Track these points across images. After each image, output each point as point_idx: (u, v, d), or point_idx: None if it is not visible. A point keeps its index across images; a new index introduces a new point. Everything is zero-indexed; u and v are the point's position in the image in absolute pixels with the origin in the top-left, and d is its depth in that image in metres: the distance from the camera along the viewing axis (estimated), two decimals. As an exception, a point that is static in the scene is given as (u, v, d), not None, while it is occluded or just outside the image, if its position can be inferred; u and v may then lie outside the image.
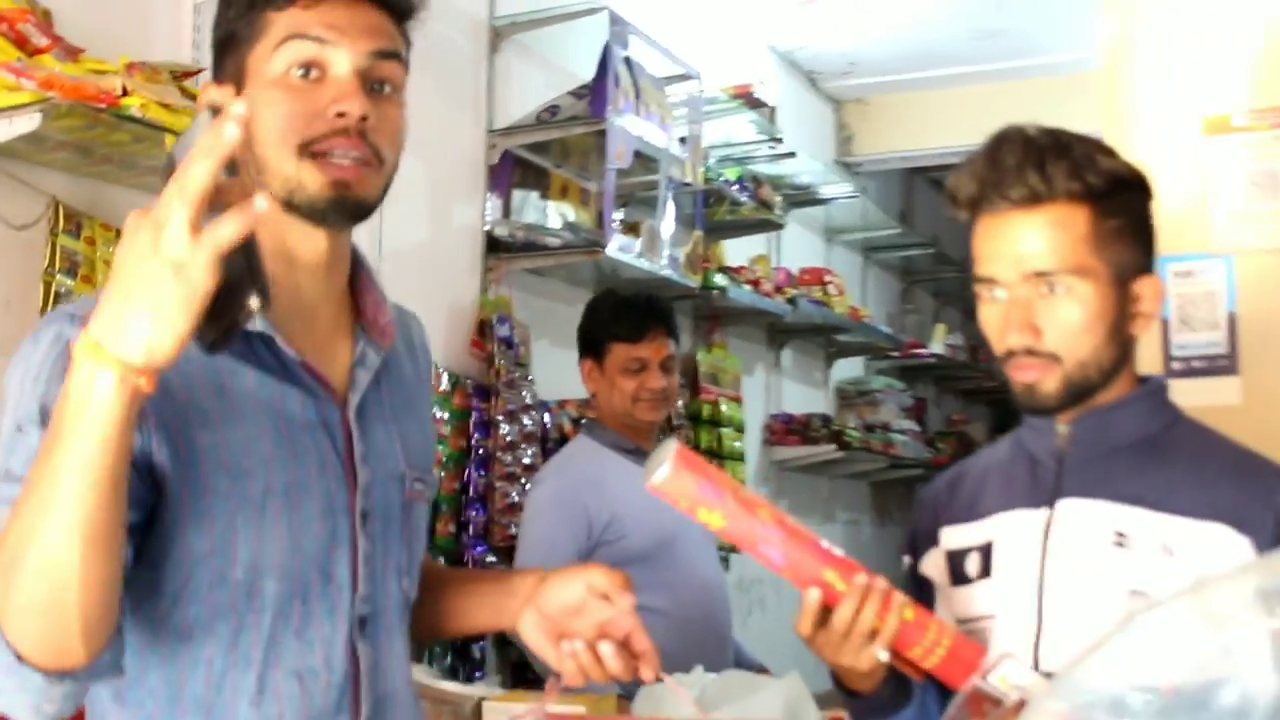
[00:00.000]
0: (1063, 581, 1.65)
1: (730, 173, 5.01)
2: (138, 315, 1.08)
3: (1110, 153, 1.68)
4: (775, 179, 5.44)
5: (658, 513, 3.00)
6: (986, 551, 1.73)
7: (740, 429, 5.14)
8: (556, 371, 4.14)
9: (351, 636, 1.44)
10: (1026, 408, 1.70)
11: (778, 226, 5.44)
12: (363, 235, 3.26)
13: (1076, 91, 6.04)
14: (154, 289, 1.07)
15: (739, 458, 5.06)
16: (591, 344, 3.21)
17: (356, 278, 1.55)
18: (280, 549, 1.39)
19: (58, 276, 2.57)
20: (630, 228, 4.27)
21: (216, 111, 1.09)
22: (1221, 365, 2.47)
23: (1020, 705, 1.43)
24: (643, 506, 2.98)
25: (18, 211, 2.55)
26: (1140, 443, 1.68)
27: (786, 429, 5.79)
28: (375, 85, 1.44)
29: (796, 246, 6.17)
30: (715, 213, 5.00)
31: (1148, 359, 2.57)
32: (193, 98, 2.60)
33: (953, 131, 6.50)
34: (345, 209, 1.42)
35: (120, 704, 1.38)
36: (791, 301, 5.26)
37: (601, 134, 3.90)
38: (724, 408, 5.03)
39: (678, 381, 3.29)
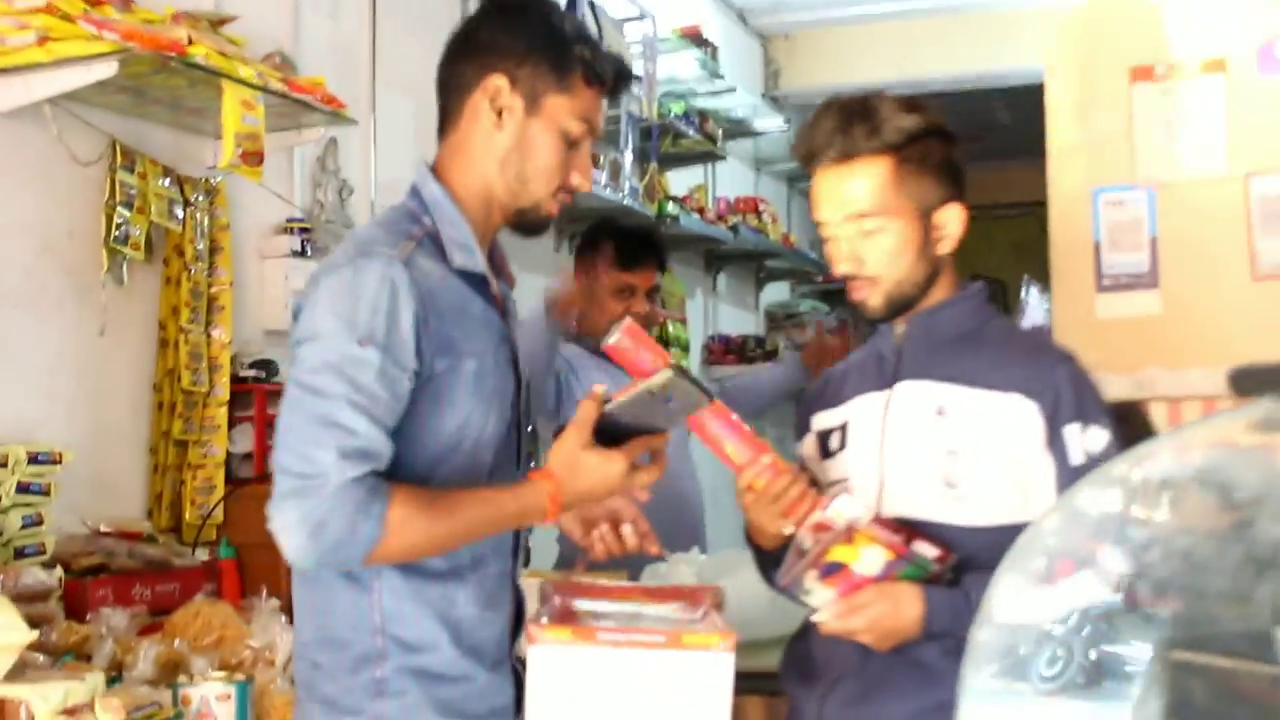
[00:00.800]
0: (898, 446, 2.04)
1: (676, 107, 5.33)
2: (587, 501, 1.89)
3: (913, 108, 2.05)
4: (713, 113, 5.78)
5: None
6: (844, 429, 2.13)
7: (686, 349, 5.51)
8: (524, 295, 4.45)
9: None
10: (864, 319, 2.11)
11: (720, 158, 5.79)
12: (356, 172, 3.55)
13: (993, 28, 6.45)
14: (605, 492, 1.84)
15: (686, 375, 5.42)
16: (588, 263, 3.51)
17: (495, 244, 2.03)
18: (493, 428, 1.88)
19: (118, 208, 2.85)
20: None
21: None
22: (1144, 282, 2.87)
23: (849, 530, 1.85)
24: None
25: (82, 149, 2.82)
26: (960, 335, 2.08)
27: (725, 349, 6.17)
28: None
29: (729, 176, 6.52)
30: (662, 145, 5.33)
31: (1082, 277, 2.96)
32: (232, 43, 2.88)
33: (876, 66, 6.86)
34: (542, 229, 2.00)
35: None
36: (733, 228, 5.62)
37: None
38: (671, 329, 5.39)
39: (659, 309, 3.62)
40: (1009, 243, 9.90)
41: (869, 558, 1.89)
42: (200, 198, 3.07)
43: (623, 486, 1.83)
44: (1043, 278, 3.88)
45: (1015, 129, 8.31)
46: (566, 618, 1.89)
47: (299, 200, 3.49)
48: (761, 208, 6.19)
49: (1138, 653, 1.48)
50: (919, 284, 2.05)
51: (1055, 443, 1.96)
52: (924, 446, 2.02)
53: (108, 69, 2.57)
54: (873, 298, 2.04)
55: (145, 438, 3.00)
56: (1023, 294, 6.41)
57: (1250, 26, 2.76)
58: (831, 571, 1.89)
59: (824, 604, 1.93)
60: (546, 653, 1.76)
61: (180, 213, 3.00)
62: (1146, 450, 1.39)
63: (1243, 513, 1.31)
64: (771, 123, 6.36)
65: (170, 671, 2.25)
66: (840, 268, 2.05)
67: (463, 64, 1.92)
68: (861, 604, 1.91)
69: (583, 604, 1.97)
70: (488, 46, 1.90)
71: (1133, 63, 2.89)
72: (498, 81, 1.87)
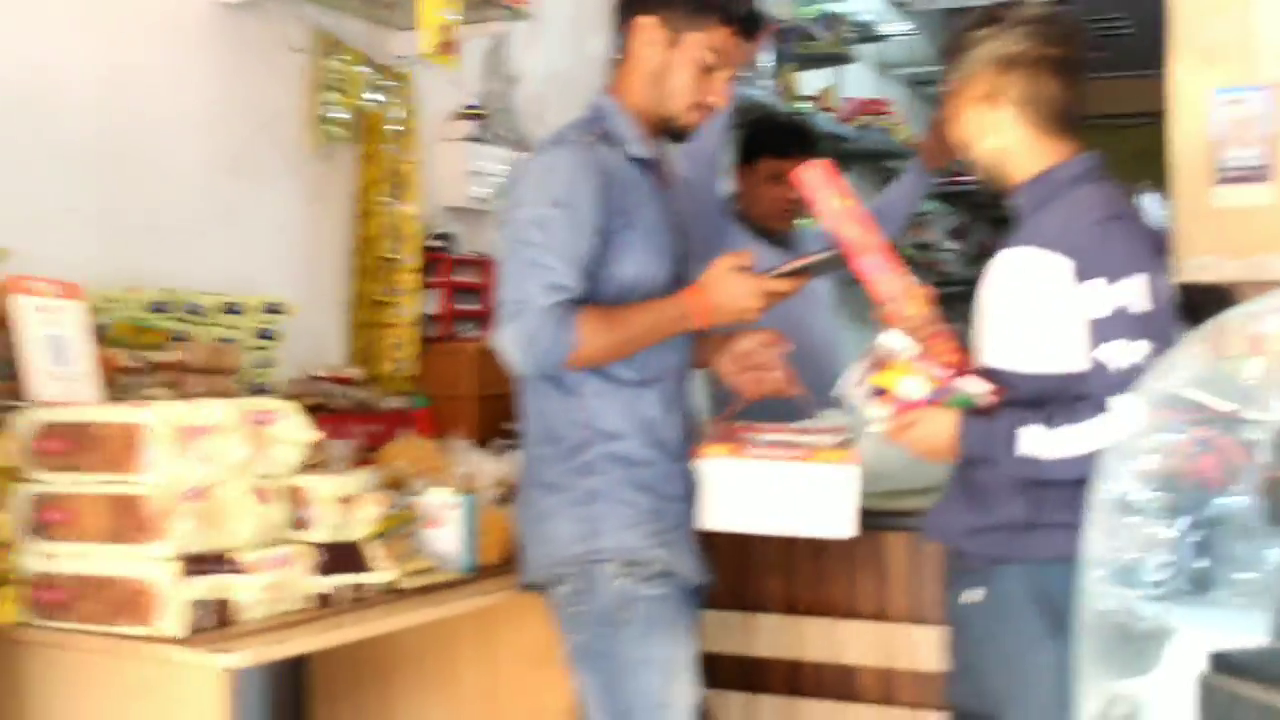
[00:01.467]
0: (981, 302, 2.31)
1: (808, 11, 5.56)
2: (725, 316, 2.35)
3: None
4: (843, 17, 5.99)
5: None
6: None
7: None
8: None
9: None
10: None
11: (849, 60, 6.01)
12: (522, 63, 3.84)
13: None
14: (745, 312, 2.34)
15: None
16: (748, 153, 3.80)
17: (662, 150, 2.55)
18: (663, 277, 2.42)
19: (324, 91, 3.19)
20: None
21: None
22: (1259, 175, 3.09)
23: (880, 360, 2.19)
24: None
25: (295, 38, 3.15)
26: (1039, 205, 2.29)
27: (848, 245, 6.42)
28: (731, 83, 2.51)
29: (855, 80, 6.72)
30: (796, 47, 5.56)
31: (1200, 172, 3.13)
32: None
33: (999, -28, 7.01)
34: (685, 137, 2.54)
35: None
36: (862, 128, 5.86)
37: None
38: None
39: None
40: (1130, 152, 9.95)
41: (907, 385, 2.19)
42: (393, 84, 3.39)
43: (755, 302, 2.33)
44: (1165, 184, 4.09)
45: (1138, 39, 8.40)
46: (728, 438, 2.41)
47: (474, 90, 3.81)
48: (887, 110, 6.40)
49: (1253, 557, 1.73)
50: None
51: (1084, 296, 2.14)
52: (988, 301, 2.28)
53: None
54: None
55: (346, 297, 3.36)
56: (1144, 199, 6.60)
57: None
58: (877, 394, 2.22)
59: (878, 418, 2.25)
60: (710, 464, 2.39)
61: (377, 96, 3.34)
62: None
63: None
64: (897, 28, 6.55)
65: (395, 489, 2.61)
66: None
67: (626, 4, 2.47)
68: (905, 422, 2.21)
69: (742, 433, 2.46)
70: None
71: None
72: (645, 21, 2.42)
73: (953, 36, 2.39)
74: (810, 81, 5.95)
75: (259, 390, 2.84)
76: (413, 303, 3.40)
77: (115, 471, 1.91)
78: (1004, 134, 2.30)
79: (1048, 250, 2.17)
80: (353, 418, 3.04)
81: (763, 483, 2.39)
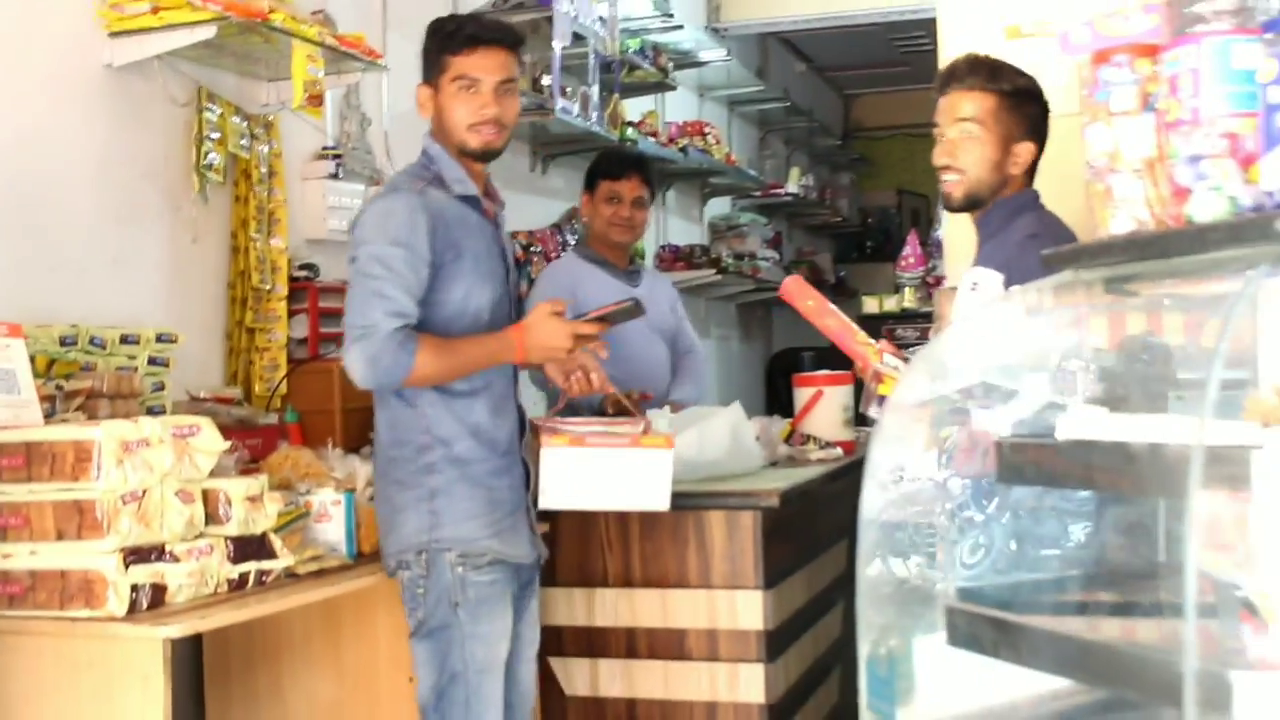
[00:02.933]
0: (954, 315, 2.87)
1: (632, 43, 6.06)
2: (539, 355, 2.93)
3: (1023, 75, 2.91)
4: (664, 47, 6.51)
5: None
6: None
7: (643, 256, 6.27)
8: (507, 209, 5.22)
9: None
10: (947, 208, 2.98)
11: (671, 88, 6.55)
12: (372, 107, 4.26)
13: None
14: (555, 351, 2.91)
15: (642, 279, 6.22)
16: (589, 179, 4.28)
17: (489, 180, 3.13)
18: (488, 298, 2.95)
19: (204, 141, 3.58)
20: (562, 93, 5.32)
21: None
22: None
23: (876, 373, 2.70)
24: (600, 300, 4.11)
25: (177, 94, 3.54)
26: (999, 228, 2.87)
27: (674, 257, 6.96)
28: (504, 91, 2.98)
29: (676, 104, 7.26)
30: (620, 78, 6.07)
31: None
32: (289, 6, 3.59)
33: (810, 2, 7.62)
34: (490, 154, 3.02)
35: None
36: (683, 150, 6.39)
37: (547, 20, 4.94)
38: (630, 239, 6.15)
39: (645, 218, 4.36)
40: (930, 159, 10.68)
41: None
42: (261, 131, 3.79)
43: (565, 343, 2.90)
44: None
45: (937, 56, 9.09)
46: (560, 431, 3.04)
47: (330, 132, 4.22)
48: (706, 130, 6.94)
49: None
50: (989, 187, 2.84)
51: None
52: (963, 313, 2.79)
53: (208, 32, 3.29)
54: (957, 189, 2.86)
55: (223, 326, 3.75)
56: (939, 206, 7.25)
57: None
58: (881, 401, 2.71)
59: None
60: (551, 452, 3.04)
61: (247, 143, 3.73)
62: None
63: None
64: (714, 54, 7.09)
65: (285, 491, 3.02)
66: (939, 159, 2.88)
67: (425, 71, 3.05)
68: None
69: (566, 426, 3.08)
70: (422, 69, 3.05)
71: (1006, 22, 3.67)
72: (419, 89, 3.04)
73: (972, 65, 2.90)
74: (635, 108, 6.46)
75: (154, 411, 3.23)
76: (283, 328, 3.80)
77: (68, 480, 2.31)
78: (1014, 164, 2.84)
79: (990, 270, 2.73)
80: (235, 433, 3.43)
81: (595, 465, 3.00)
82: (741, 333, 8.64)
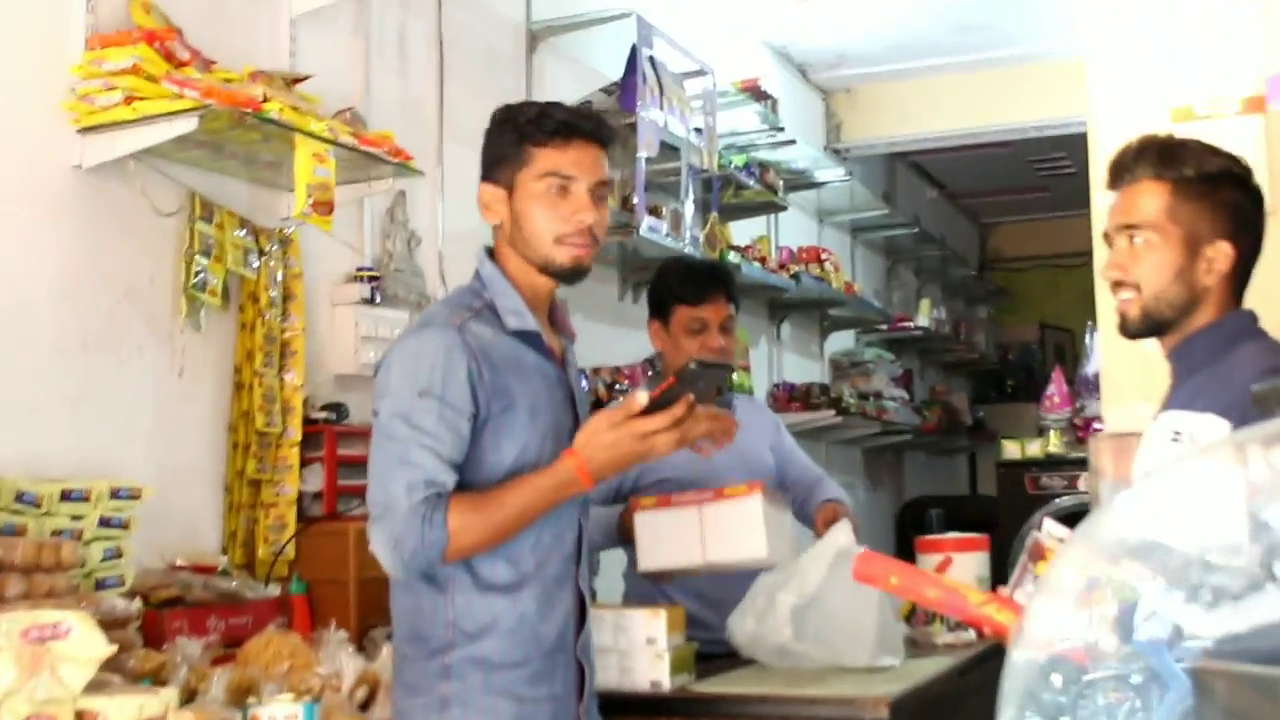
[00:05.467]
0: (1142, 472, 2.14)
1: (737, 159, 5.45)
2: (612, 468, 2.21)
3: (1214, 153, 2.24)
4: (774, 165, 5.89)
5: (691, 456, 3.44)
6: None
7: (751, 392, 5.58)
8: (589, 341, 4.58)
9: (579, 514, 2.33)
10: (1121, 332, 2.28)
11: (781, 208, 5.89)
12: (424, 222, 3.69)
13: (1047, 80, 6.52)
14: (630, 461, 2.21)
15: (749, 421, 5.52)
16: (659, 304, 3.54)
17: (553, 303, 2.43)
18: (549, 454, 2.23)
19: (196, 257, 3.00)
20: (651, 211, 4.70)
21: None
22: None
23: (1037, 548, 2.05)
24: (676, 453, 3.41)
25: (162, 201, 2.97)
26: (1207, 362, 2.17)
27: (789, 396, 6.24)
28: (598, 196, 2.30)
29: (792, 228, 6.62)
30: (723, 197, 5.45)
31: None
32: (305, 100, 3.03)
33: (934, 118, 6.98)
34: (579, 274, 2.32)
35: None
36: (795, 277, 5.71)
37: (632, 128, 4.34)
38: (736, 377, 5.47)
39: (735, 343, 3.67)
40: (1075, 290, 9.91)
41: None
42: (274, 247, 3.21)
43: (639, 441, 2.17)
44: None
45: (1079, 179, 8.36)
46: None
47: (369, 250, 3.63)
48: (824, 257, 6.28)
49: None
50: (1175, 305, 2.19)
51: None
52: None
53: (188, 124, 2.72)
54: (1132, 308, 2.22)
55: (221, 476, 3.13)
56: (1087, 339, 6.46)
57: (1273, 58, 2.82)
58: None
59: None
60: (643, 518, 2.90)
61: (255, 261, 3.15)
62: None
63: None
64: (833, 174, 6.46)
65: (241, 697, 2.36)
66: (1108, 273, 2.26)
67: (490, 173, 2.34)
68: None
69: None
70: (483, 163, 2.35)
71: (1173, 104, 2.95)
72: (484, 189, 2.33)
73: (1142, 148, 2.26)
74: (745, 232, 5.83)
75: (106, 586, 2.60)
76: (293, 480, 3.17)
77: None
78: (1206, 273, 2.20)
79: (1207, 414, 2.05)
80: (215, 609, 2.80)
81: (685, 523, 2.88)
82: (869, 481, 7.84)
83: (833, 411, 6.25)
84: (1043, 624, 1.65)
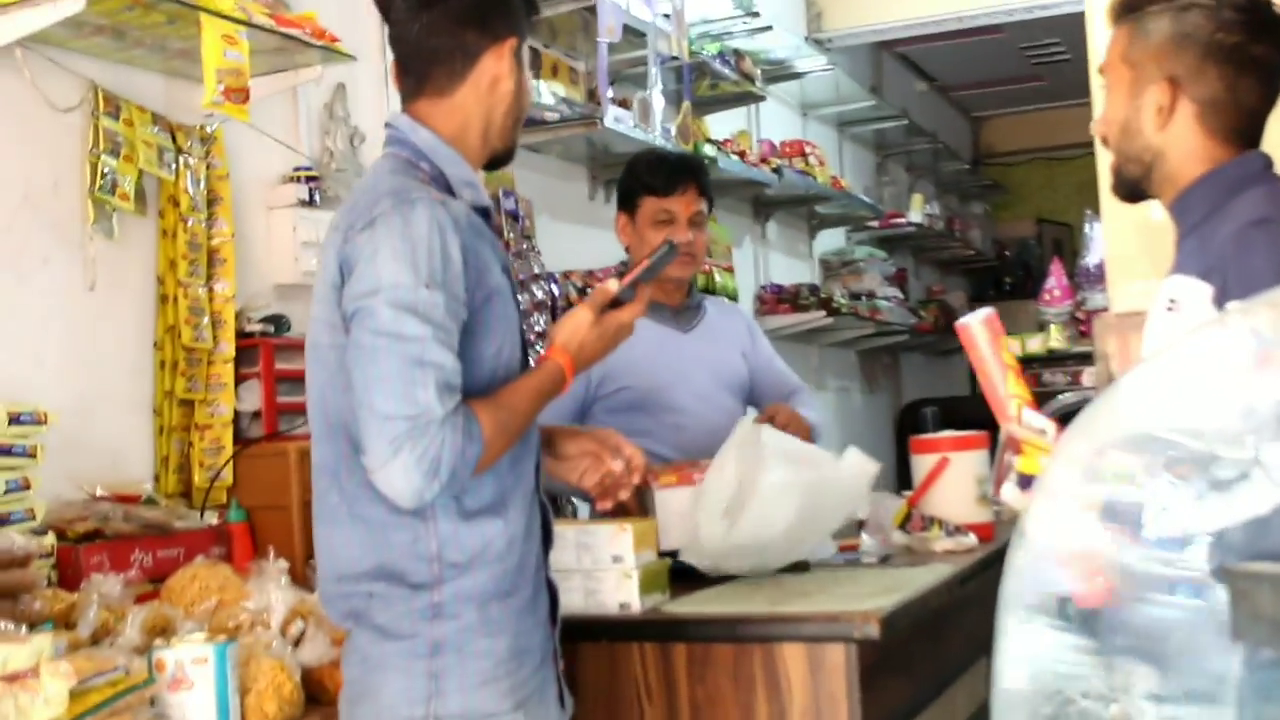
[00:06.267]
0: (1147, 347, 1.92)
1: (710, 47, 5.13)
2: (596, 355, 2.08)
3: None
4: (752, 54, 5.55)
5: (653, 363, 3.18)
6: None
7: (734, 298, 5.30)
8: (558, 244, 4.30)
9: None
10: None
11: (759, 99, 5.58)
12: (369, 117, 3.39)
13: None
14: (610, 346, 2.10)
15: (734, 325, 5.24)
16: (626, 196, 3.29)
17: None
18: (512, 352, 2.03)
19: (102, 157, 2.71)
20: (621, 103, 4.39)
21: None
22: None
23: (1014, 441, 1.78)
24: (639, 358, 3.13)
25: (60, 96, 2.68)
26: (1204, 218, 1.90)
27: (777, 298, 5.97)
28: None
29: (774, 122, 6.30)
30: (698, 88, 5.13)
31: (1138, 208, 2.68)
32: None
33: (919, 2, 6.63)
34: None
35: None
36: (776, 171, 5.41)
37: (590, 10, 4.02)
38: (718, 278, 5.19)
39: (706, 240, 3.40)
40: (1073, 184, 9.61)
41: None
42: (194, 145, 2.92)
43: (622, 335, 2.12)
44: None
45: (1075, 66, 8.01)
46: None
47: (307, 148, 3.33)
48: (808, 150, 5.97)
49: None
50: (1136, 160, 1.97)
51: None
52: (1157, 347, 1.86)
53: (74, 4, 2.42)
54: (1111, 166, 2.02)
55: (148, 398, 2.86)
56: (1086, 229, 6.18)
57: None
58: (1027, 484, 1.80)
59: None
60: (664, 492, 2.76)
61: (173, 161, 2.86)
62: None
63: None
64: (814, 63, 6.13)
65: (158, 638, 2.11)
66: (1094, 128, 2.05)
67: (470, 31, 2.06)
68: None
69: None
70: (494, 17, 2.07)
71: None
72: (510, 46, 2.08)
73: None
74: (724, 125, 5.52)
75: (11, 521, 2.34)
76: (228, 399, 2.91)
77: None
78: (1155, 127, 1.94)
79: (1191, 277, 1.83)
80: (140, 542, 2.54)
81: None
82: (865, 384, 7.57)
83: (823, 313, 5.98)
84: (1045, 528, 1.42)
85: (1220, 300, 1.75)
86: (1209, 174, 1.92)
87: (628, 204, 3.30)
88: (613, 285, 2.10)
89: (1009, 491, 1.82)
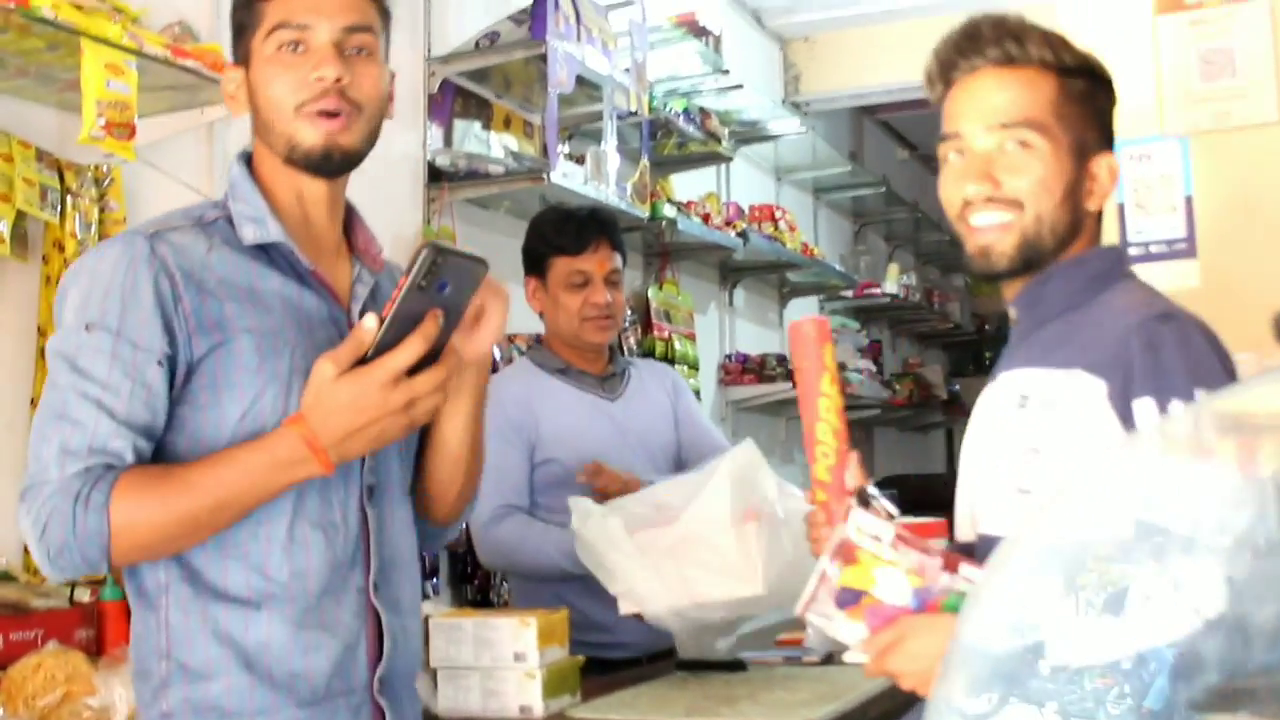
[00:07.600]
0: (978, 447, 1.74)
1: (676, 104, 4.92)
2: (362, 441, 1.58)
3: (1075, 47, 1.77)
4: (722, 115, 5.35)
5: (581, 437, 2.94)
6: None
7: (694, 366, 5.07)
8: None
9: (362, 500, 1.72)
10: (981, 271, 1.70)
11: (725, 159, 5.36)
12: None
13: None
14: (387, 431, 1.59)
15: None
16: (535, 259, 3.10)
17: (351, 218, 1.86)
18: (280, 417, 1.63)
19: (-26, 195, 2.47)
20: (576, 159, 4.18)
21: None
22: (1179, 249, 2.41)
23: (845, 548, 1.54)
24: (569, 427, 2.90)
25: (-71, 127, 2.45)
26: (1069, 308, 1.71)
27: (742, 368, 5.73)
28: (351, 50, 1.73)
29: (746, 184, 6.09)
30: (663, 147, 4.93)
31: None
32: (118, 10, 2.50)
33: (901, 68, 6.43)
34: (333, 160, 1.72)
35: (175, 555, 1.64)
36: (743, 235, 5.18)
37: (543, 60, 3.81)
38: (678, 345, 4.96)
39: (624, 299, 3.18)
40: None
41: (888, 583, 1.53)
42: (87, 185, 2.68)
43: (393, 400, 1.57)
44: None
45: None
46: None
47: (220, 192, 3.09)
48: (778, 215, 5.75)
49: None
50: (1057, 234, 1.71)
51: (1129, 425, 1.55)
52: (1004, 446, 1.68)
53: (-67, 24, 2.19)
54: (1006, 237, 1.69)
55: (24, 461, 2.61)
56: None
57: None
58: (849, 600, 1.54)
59: (855, 641, 1.56)
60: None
61: (57, 202, 2.62)
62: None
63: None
64: (788, 125, 5.92)
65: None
66: (969, 187, 1.70)
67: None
68: (886, 642, 1.52)
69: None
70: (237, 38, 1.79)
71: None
72: (225, 73, 1.82)
73: (997, 24, 1.76)
74: (693, 186, 5.31)
75: None
76: (111, 463, 2.65)
77: None
78: (1092, 196, 1.75)
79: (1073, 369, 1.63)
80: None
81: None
82: (835, 458, 7.30)
83: (790, 384, 5.72)
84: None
85: (1117, 398, 1.55)
86: (1071, 262, 1.73)
87: (537, 267, 3.09)
88: (370, 322, 1.57)
89: (822, 612, 1.54)
